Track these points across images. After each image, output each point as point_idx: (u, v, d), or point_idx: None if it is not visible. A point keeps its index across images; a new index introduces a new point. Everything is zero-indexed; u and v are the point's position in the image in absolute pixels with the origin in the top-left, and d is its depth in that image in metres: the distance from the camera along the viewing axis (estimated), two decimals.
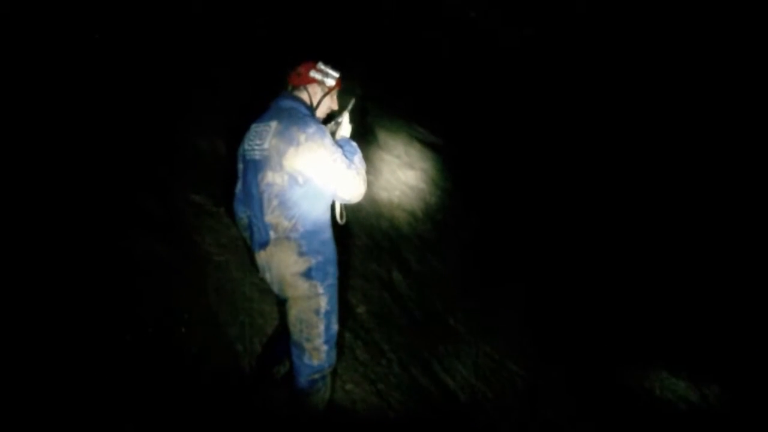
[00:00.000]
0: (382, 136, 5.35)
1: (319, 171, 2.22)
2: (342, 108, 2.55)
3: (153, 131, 3.85)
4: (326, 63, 2.48)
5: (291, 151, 2.20)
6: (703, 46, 7.28)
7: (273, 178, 2.24)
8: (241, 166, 2.43)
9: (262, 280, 2.49)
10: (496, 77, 7.22)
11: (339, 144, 2.37)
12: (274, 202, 2.25)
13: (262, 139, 2.29)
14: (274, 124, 2.29)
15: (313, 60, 2.48)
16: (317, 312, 2.34)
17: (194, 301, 3.01)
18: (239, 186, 2.46)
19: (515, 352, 3.76)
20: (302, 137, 2.21)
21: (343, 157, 2.28)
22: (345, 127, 2.50)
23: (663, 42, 7.45)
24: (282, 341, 2.62)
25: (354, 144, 2.45)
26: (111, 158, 3.54)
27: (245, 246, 2.59)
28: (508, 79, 7.26)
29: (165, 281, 3.00)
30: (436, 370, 3.40)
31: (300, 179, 2.23)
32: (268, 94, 2.59)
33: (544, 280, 4.54)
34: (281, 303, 2.52)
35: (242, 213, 2.47)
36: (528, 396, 3.44)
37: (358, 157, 2.38)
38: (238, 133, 2.61)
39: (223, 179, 3.42)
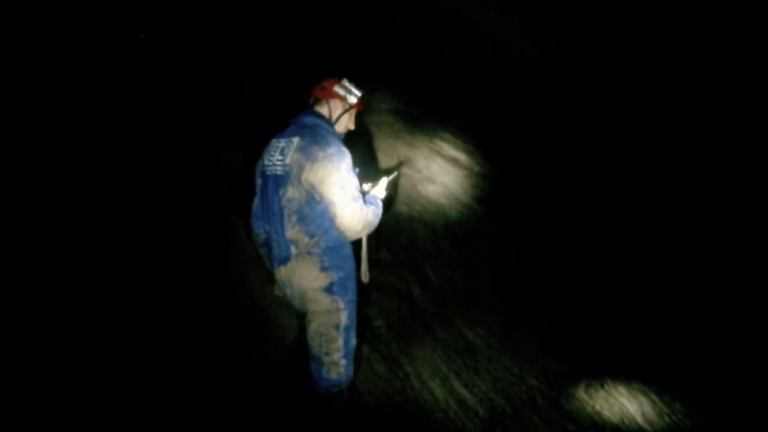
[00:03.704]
0: (403, 150, 5.39)
1: (326, 190, 2.27)
2: (386, 172, 2.68)
3: (175, 141, 3.96)
4: (350, 81, 2.57)
5: (308, 166, 2.26)
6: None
7: (292, 194, 2.29)
8: (259, 181, 2.47)
9: (282, 295, 2.54)
10: (522, 88, 7.17)
11: (365, 197, 2.46)
12: (294, 218, 2.30)
13: (284, 154, 2.33)
14: (296, 140, 2.34)
15: (338, 76, 2.58)
16: (337, 327, 2.38)
17: (212, 312, 3.08)
18: (257, 201, 2.51)
19: (535, 367, 3.73)
20: (320, 154, 2.27)
21: (355, 191, 2.34)
22: (379, 190, 2.59)
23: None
24: (300, 354, 2.66)
25: (380, 203, 2.52)
26: (131, 167, 3.66)
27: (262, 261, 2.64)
28: (535, 90, 7.19)
29: (183, 293, 3.08)
30: (455, 385, 3.40)
31: (316, 196, 2.28)
32: (290, 108, 2.67)
33: (565, 296, 4.50)
34: (300, 317, 2.56)
35: (260, 229, 2.51)
36: (548, 411, 3.41)
37: (374, 208, 2.43)
38: (257, 145, 2.68)
39: (242, 192, 3.49)
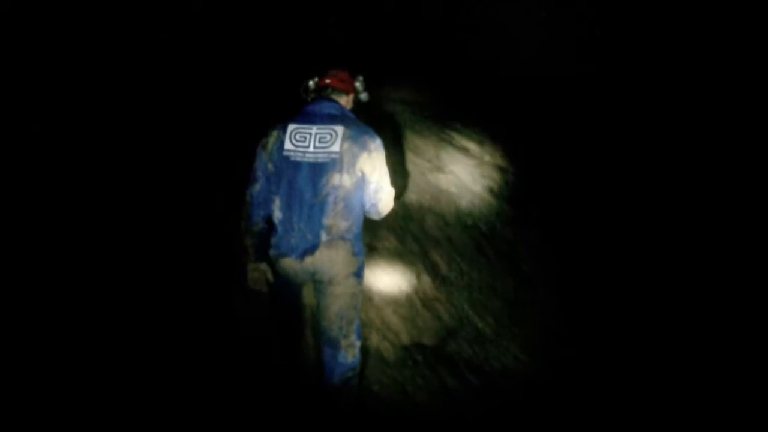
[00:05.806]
0: (413, 139, 5.39)
1: (377, 178, 2.41)
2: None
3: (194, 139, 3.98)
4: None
5: (364, 155, 2.37)
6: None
7: (342, 181, 2.35)
8: (270, 166, 2.43)
9: (261, 289, 2.54)
10: (532, 80, 7.09)
11: None
12: (341, 205, 2.36)
13: (326, 142, 2.36)
14: (340, 129, 2.38)
15: (347, 70, 2.67)
16: (355, 308, 2.49)
17: (220, 301, 3.11)
18: (258, 189, 2.48)
19: (545, 356, 3.73)
20: (373, 146, 2.40)
21: None
22: None
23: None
24: (304, 346, 2.68)
25: None
26: (153, 163, 3.68)
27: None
28: (546, 82, 7.11)
29: (190, 280, 3.11)
30: (464, 372, 3.42)
31: (362, 184, 2.41)
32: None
33: (574, 286, 4.48)
34: (301, 305, 2.59)
35: (258, 218, 2.50)
36: (556, 399, 3.42)
37: None
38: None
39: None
